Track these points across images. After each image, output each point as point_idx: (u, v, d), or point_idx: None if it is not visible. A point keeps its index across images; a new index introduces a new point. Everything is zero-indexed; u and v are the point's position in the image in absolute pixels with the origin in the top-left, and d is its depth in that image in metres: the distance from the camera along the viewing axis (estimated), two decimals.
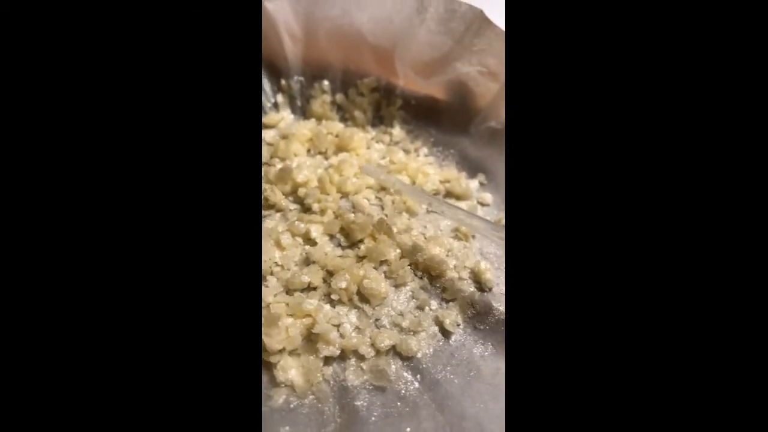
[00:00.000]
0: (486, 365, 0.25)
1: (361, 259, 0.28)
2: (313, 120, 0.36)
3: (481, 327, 0.26)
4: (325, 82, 0.37)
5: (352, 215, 0.29)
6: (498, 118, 0.33)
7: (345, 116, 0.37)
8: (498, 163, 0.33)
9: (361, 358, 0.25)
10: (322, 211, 0.30)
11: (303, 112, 0.37)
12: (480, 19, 0.31)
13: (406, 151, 0.35)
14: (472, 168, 0.34)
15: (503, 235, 0.25)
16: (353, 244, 0.29)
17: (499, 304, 0.27)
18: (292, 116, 0.37)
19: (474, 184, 0.33)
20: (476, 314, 0.27)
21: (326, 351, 0.24)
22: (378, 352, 0.25)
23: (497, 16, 0.46)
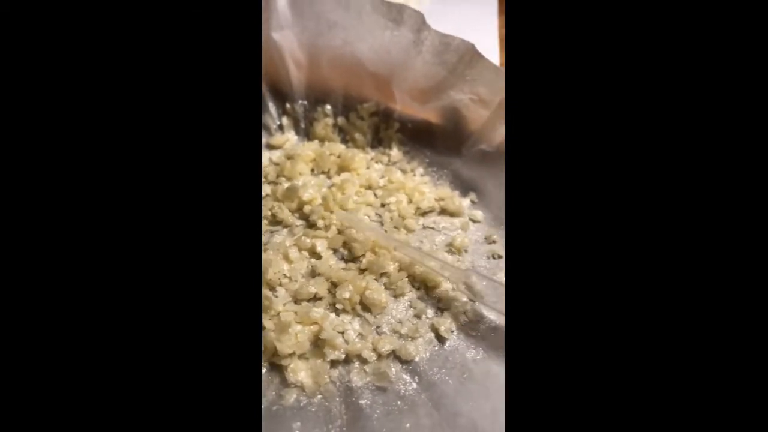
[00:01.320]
0: (477, 368, 0.27)
1: (362, 271, 0.31)
2: (316, 141, 0.39)
3: (473, 333, 0.29)
4: (328, 106, 0.39)
5: (354, 231, 0.32)
6: (488, 142, 0.36)
7: (346, 138, 0.39)
8: (488, 182, 0.36)
9: (364, 361, 0.27)
10: (327, 227, 0.32)
11: (307, 133, 0.40)
12: (472, 51, 0.34)
13: (403, 171, 0.37)
14: (464, 187, 0.37)
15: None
16: (355, 257, 0.31)
17: (489, 313, 0.29)
18: (296, 137, 0.40)
19: (466, 202, 0.36)
20: (468, 322, 0.29)
21: (332, 355, 0.27)
22: (379, 356, 0.27)
23: (491, 44, 0.49)
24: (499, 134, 0.35)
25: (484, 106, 0.35)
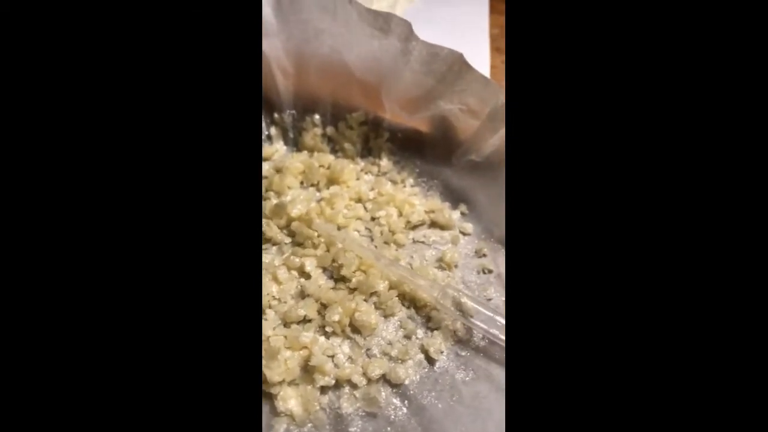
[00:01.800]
0: (467, 389, 0.28)
1: (352, 291, 0.31)
2: (305, 152, 0.38)
3: (463, 353, 0.29)
4: (316, 116, 0.39)
5: (342, 250, 0.32)
6: (478, 152, 0.35)
7: (335, 148, 0.39)
8: (479, 192, 0.36)
9: (354, 386, 0.27)
10: (315, 246, 0.32)
11: (295, 143, 0.39)
12: (460, 62, 0.33)
13: (393, 182, 0.37)
14: (454, 198, 0.36)
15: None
16: (344, 277, 0.31)
17: (479, 331, 0.30)
18: (285, 148, 0.39)
19: (456, 214, 0.35)
20: (458, 341, 0.30)
21: (322, 381, 0.27)
22: (369, 381, 0.27)
23: (482, 43, 0.48)
24: (489, 144, 0.35)
25: (473, 116, 0.35)
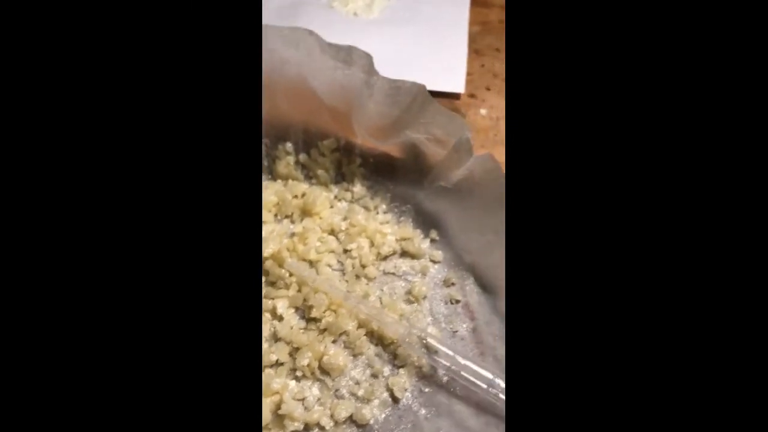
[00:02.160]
0: (429, 425, 0.29)
1: (322, 331, 0.32)
2: (279, 181, 0.39)
3: (426, 390, 0.31)
4: (288, 144, 0.39)
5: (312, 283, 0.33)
6: (447, 179, 0.36)
7: (309, 174, 0.40)
8: (450, 216, 0.36)
9: (322, 429, 0.29)
10: (287, 285, 0.34)
11: (270, 171, 0.40)
12: (423, 94, 0.33)
13: (366, 209, 0.38)
14: (426, 222, 0.37)
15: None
16: (315, 318, 0.33)
17: (442, 368, 0.31)
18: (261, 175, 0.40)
19: (426, 243, 0.36)
20: (423, 377, 0.31)
21: (292, 426, 0.29)
22: (336, 423, 0.29)
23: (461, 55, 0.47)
24: (456, 174, 0.35)
25: (440, 146, 0.35)
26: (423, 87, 0.34)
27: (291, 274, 0.34)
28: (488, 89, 0.44)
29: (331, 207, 0.38)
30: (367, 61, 0.34)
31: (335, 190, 0.39)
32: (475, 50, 0.47)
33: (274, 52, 0.36)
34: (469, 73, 0.45)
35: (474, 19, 0.50)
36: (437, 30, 0.49)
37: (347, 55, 0.34)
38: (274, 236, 0.35)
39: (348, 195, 0.39)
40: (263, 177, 0.40)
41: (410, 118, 0.35)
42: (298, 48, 0.35)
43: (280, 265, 0.34)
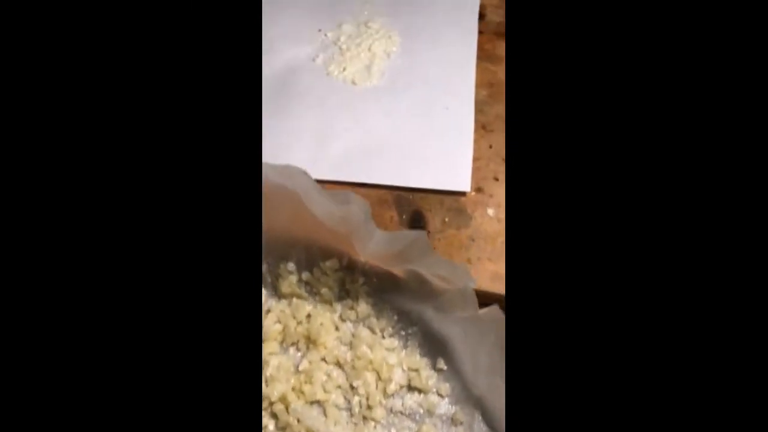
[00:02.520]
0: None
1: None
2: (283, 301, 0.39)
3: None
4: (291, 264, 0.38)
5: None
6: (453, 316, 0.35)
7: (313, 290, 0.39)
8: (458, 344, 0.36)
9: None
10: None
11: (274, 287, 0.39)
12: (423, 242, 0.32)
13: (372, 331, 0.37)
14: (433, 348, 0.36)
15: None
16: None
17: None
18: (265, 291, 0.39)
19: (433, 377, 0.36)
20: None
21: None
22: None
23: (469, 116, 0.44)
24: (462, 313, 0.34)
25: (445, 282, 0.34)
26: (423, 234, 0.32)
27: (299, 420, 0.34)
28: (496, 179, 0.41)
29: (336, 329, 0.38)
30: (365, 207, 0.32)
31: (339, 309, 0.38)
32: (482, 125, 0.44)
33: (267, 179, 0.34)
34: (476, 158, 0.42)
35: (480, 80, 0.47)
36: (441, 99, 0.46)
37: (345, 198, 0.33)
38: (280, 374, 0.35)
39: (353, 314, 0.38)
40: (267, 292, 0.39)
41: (413, 257, 0.34)
42: (293, 182, 0.34)
43: (287, 409, 0.34)
